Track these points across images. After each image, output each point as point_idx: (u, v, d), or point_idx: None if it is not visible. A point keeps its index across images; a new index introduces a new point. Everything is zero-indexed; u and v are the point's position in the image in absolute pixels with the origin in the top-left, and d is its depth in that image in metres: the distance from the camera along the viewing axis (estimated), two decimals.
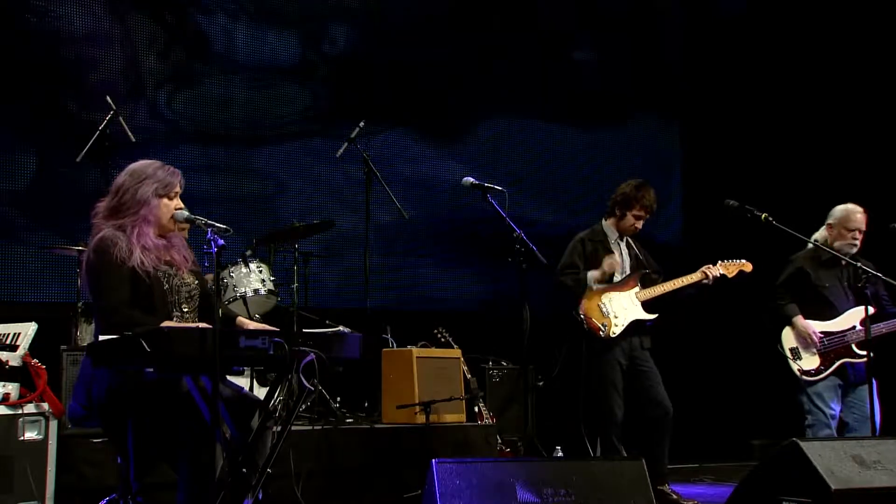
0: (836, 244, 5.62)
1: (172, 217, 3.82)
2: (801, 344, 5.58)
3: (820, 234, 5.74)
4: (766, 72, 8.87)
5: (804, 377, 5.54)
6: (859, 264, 5.39)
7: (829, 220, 5.72)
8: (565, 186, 8.91)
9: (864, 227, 5.66)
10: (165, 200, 3.81)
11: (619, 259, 5.76)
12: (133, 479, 3.60)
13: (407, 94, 8.36)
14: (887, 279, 5.34)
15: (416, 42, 8.44)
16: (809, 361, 5.55)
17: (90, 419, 3.71)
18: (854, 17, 8.32)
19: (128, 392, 3.55)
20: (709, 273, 5.65)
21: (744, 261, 5.75)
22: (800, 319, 5.60)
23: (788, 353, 5.58)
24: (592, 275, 5.61)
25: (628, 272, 5.76)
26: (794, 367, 5.56)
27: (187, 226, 3.86)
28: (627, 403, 5.60)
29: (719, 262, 5.74)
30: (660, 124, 9.40)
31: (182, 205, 3.87)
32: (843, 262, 5.63)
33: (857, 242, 5.64)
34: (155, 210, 3.78)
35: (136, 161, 3.89)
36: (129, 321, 3.53)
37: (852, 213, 5.67)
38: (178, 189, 3.85)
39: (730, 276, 5.72)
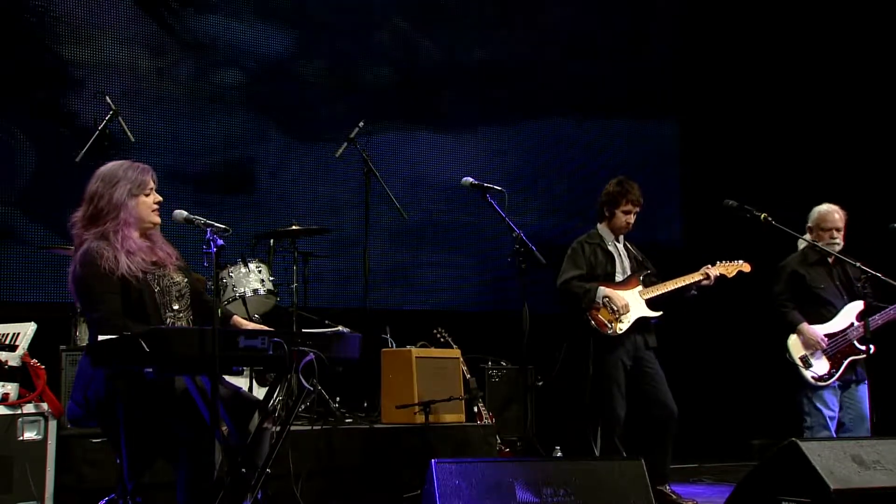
0: (819, 245, 5.64)
1: (154, 213, 3.83)
2: (810, 350, 5.57)
3: (805, 237, 5.77)
4: (764, 71, 8.87)
5: (819, 383, 5.52)
6: (858, 264, 5.41)
7: (808, 223, 5.76)
8: (564, 186, 8.91)
9: (840, 225, 5.70)
10: (142, 198, 3.81)
11: (619, 260, 5.78)
12: (128, 479, 3.60)
13: (406, 93, 8.36)
14: (886, 278, 5.34)
15: (416, 41, 8.45)
16: (821, 366, 5.54)
17: (89, 419, 3.71)
18: (852, 17, 8.32)
19: (124, 391, 3.55)
20: (710, 273, 5.67)
21: (742, 262, 5.78)
22: (805, 326, 5.60)
23: (799, 362, 5.58)
24: (602, 291, 5.59)
25: (629, 272, 5.76)
26: (808, 374, 5.54)
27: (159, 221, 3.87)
28: (631, 404, 5.59)
29: (718, 262, 5.77)
30: (659, 125, 9.39)
31: (160, 198, 3.87)
32: (832, 260, 5.66)
33: (838, 240, 5.68)
34: (134, 211, 3.77)
35: (107, 164, 3.90)
36: (121, 332, 3.52)
37: (826, 212, 5.72)
38: (152, 185, 3.84)
39: (729, 276, 5.75)
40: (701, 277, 5.68)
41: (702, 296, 5.83)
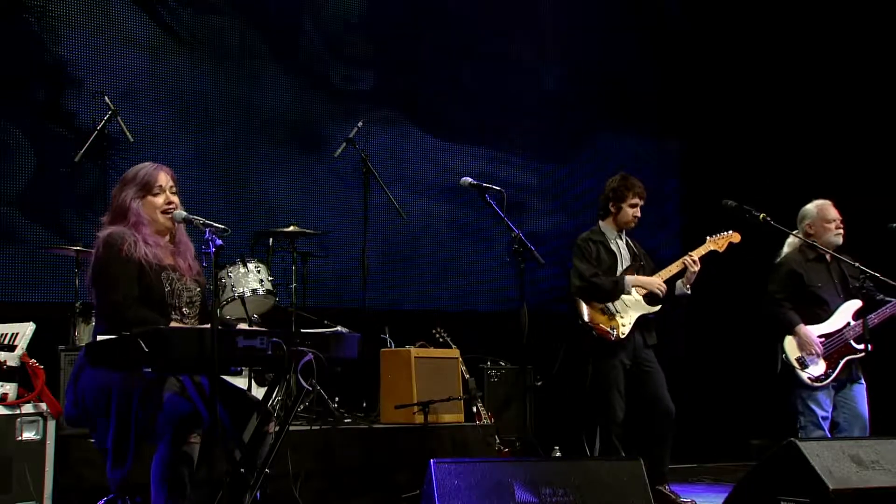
0: (823, 239, 5.63)
1: (165, 213, 3.85)
2: (806, 351, 5.57)
3: (796, 233, 5.74)
4: (761, 77, 8.88)
5: (815, 383, 5.51)
6: (856, 264, 5.41)
7: (807, 220, 5.71)
8: (561, 187, 8.91)
9: (840, 217, 5.69)
10: (149, 198, 3.84)
11: (620, 258, 5.77)
12: (111, 473, 3.59)
13: (406, 93, 8.36)
14: (884, 278, 5.34)
15: (416, 41, 8.45)
16: (817, 367, 5.53)
17: (83, 418, 3.71)
18: (847, 24, 8.33)
19: (116, 385, 3.56)
20: (694, 256, 5.62)
21: (731, 231, 5.74)
22: (802, 328, 5.57)
23: (796, 363, 5.56)
24: (630, 280, 5.58)
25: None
26: (804, 375, 5.52)
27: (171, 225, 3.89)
28: (630, 404, 5.59)
29: (707, 238, 5.74)
30: (657, 129, 9.38)
31: (175, 200, 3.88)
32: (829, 259, 5.65)
33: (842, 231, 5.67)
34: (139, 212, 3.82)
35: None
36: (139, 318, 3.55)
37: (824, 205, 5.71)
38: (161, 183, 3.86)
39: (720, 250, 5.72)
40: (688, 263, 5.61)
41: (701, 290, 5.78)
